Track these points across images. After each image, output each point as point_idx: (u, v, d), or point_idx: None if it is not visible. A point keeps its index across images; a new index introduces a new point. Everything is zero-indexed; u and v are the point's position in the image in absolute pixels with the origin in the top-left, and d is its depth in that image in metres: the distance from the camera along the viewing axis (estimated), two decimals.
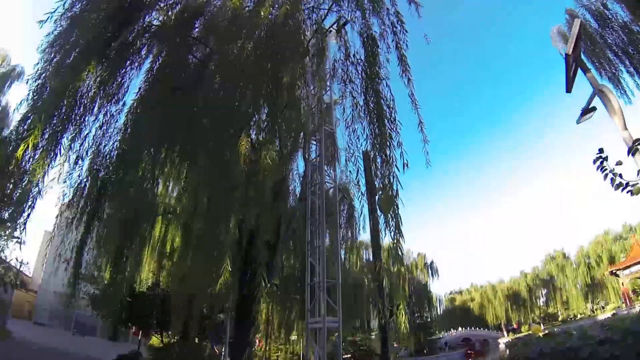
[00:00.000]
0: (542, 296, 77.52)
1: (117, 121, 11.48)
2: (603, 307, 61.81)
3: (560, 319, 69.98)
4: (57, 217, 10.78)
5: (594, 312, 62.11)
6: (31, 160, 8.37)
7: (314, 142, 11.29)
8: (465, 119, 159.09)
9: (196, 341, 22.95)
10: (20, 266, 29.81)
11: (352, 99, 9.42)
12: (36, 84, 9.44)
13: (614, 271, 49.91)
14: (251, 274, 11.30)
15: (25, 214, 9.06)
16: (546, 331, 22.72)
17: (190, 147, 11.39)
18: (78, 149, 10.24)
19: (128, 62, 10.96)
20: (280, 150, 10.31)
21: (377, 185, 8.24)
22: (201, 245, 11.36)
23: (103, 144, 11.83)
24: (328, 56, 10.01)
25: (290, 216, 12.22)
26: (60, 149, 9.05)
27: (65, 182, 10.14)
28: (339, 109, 10.33)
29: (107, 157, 11.92)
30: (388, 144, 8.26)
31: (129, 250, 12.56)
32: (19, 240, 24.33)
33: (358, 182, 9.29)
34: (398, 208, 7.90)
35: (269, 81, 8.54)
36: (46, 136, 8.53)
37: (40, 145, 8.34)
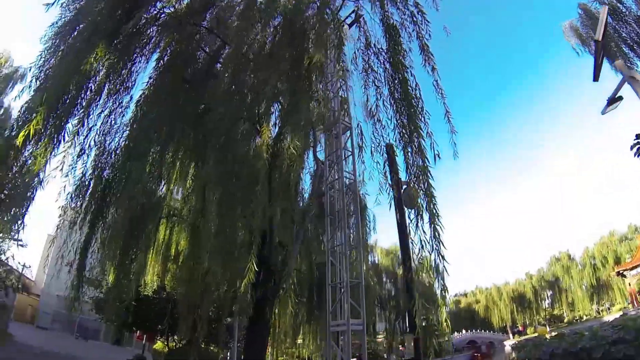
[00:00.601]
0: (548, 298, 76.96)
1: (123, 115, 10.96)
2: (609, 308, 61.32)
3: (565, 320, 69.41)
4: (59, 216, 10.18)
5: (599, 314, 61.61)
6: (33, 149, 7.70)
7: (324, 137, 10.87)
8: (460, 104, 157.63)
9: (202, 345, 22.54)
10: (23, 269, 29.60)
11: (375, 89, 8.96)
12: (39, 71, 8.88)
13: (620, 272, 49.52)
14: (265, 275, 10.81)
15: (24, 207, 8.52)
16: (552, 333, 22.33)
17: (201, 142, 10.97)
18: (82, 141, 9.60)
19: (137, 50, 10.47)
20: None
21: (406, 179, 7.72)
22: (212, 245, 10.92)
23: (108, 141, 11.34)
24: (345, 44, 9.49)
25: (302, 215, 11.74)
26: (64, 135, 8.37)
27: (67, 175, 9.53)
28: (360, 99, 9.79)
29: (113, 154, 11.43)
30: (418, 134, 7.79)
31: (133, 252, 12.11)
32: (20, 243, 24.41)
33: (385, 173, 8.75)
34: (435, 202, 7.39)
35: (287, 71, 8.05)
36: (49, 124, 7.93)
37: (42, 133, 7.76)
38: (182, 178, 14.02)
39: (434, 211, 7.45)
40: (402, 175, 8.96)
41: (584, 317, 63.94)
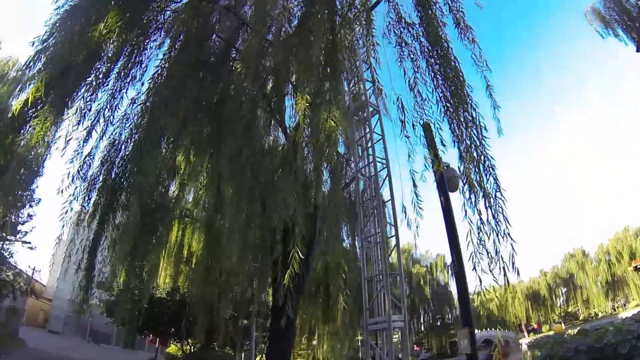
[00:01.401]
0: (562, 295, 75.69)
1: (134, 102, 10.20)
2: (624, 305, 60.23)
3: (580, 318, 68.12)
4: (65, 212, 9.36)
5: (615, 310, 60.50)
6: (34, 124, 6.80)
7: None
8: None
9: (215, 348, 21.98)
10: (33, 273, 29.20)
11: (411, 62, 8.15)
12: (43, 45, 8.04)
13: (637, 267, 48.23)
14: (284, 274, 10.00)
15: (30, 183, 7.76)
16: (568, 330, 21.59)
17: (216, 133, 10.28)
18: (90, 125, 8.79)
19: (152, 25, 9.76)
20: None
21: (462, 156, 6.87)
22: (228, 243, 10.22)
23: (118, 132, 10.64)
24: (375, 18, 8.67)
25: (325, 207, 11.00)
26: (68, 103, 7.47)
27: (73, 161, 8.73)
28: (394, 74, 8.96)
29: (123, 146, 10.73)
30: (465, 106, 6.97)
31: (145, 252, 11.42)
32: (29, 245, 24.05)
33: (430, 151, 7.88)
34: (496, 175, 6.53)
35: (320, 47, 7.28)
36: (52, 93, 7.05)
37: (44, 101, 6.92)
38: (195, 174, 13.31)
39: (496, 185, 6.62)
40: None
41: (600, 314, 62.68)
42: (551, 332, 41.87)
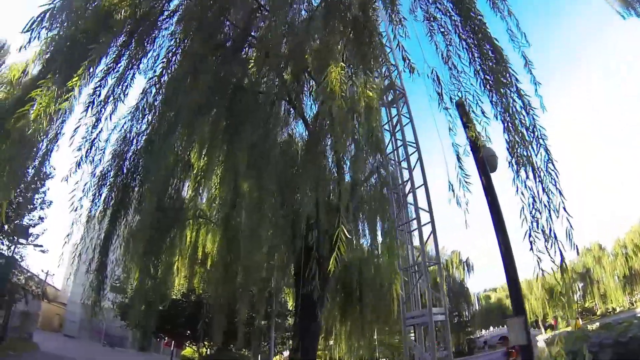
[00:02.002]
0: (579, 290, 74.50)
1: (146, 94, 9.68)
2: None
3: (598, 313, 66.84)
4: (74, 209, 8.82)
5: (632, 305, 59.34)
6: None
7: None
8: None
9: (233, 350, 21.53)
10: (46, 277, 29.04)
11: (442, 36, 7.53)
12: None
13: None
14: (310, 270, 9.41)
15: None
16: (588, 326, 21.11)
17: (232, 124, 9.75)
18: (99, 110, 8.20)
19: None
20: None
21: (507, 136, 6.22)
22: (247, 238, 9.66)
23: (129, 125, 10.15)
24: None
25: (348, 196, 10.41)
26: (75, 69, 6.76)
27: (80, 149, 8.13)
28: (428, 49, 8.36)
29: (134, 141, 10.25)
30: (508, 77, 6.35)
31: (159, 251, 10.93)
32: (41, 248, 23.81)
33: (471, 126, 7.25)
34: (547, 146, 5.91)
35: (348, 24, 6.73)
36: (55, 64, 6.43)
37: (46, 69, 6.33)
38: (210, 169, 12.83)
39: (547, 155, 6.04)
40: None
41: (617, 309, 61.42)
42: (569, 328, 40.88)
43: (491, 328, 68.92)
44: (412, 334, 11.05)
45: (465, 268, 60.72)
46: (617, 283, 63.15)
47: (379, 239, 14.07)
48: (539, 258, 5.84)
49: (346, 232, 5.18)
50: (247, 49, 11.24)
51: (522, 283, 74.63)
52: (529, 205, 5.90)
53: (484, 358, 52.62)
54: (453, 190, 6.88)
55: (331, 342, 32.09)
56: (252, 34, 10.92)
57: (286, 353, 37.29)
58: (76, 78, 5.34)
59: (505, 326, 63.28)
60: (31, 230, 22.20)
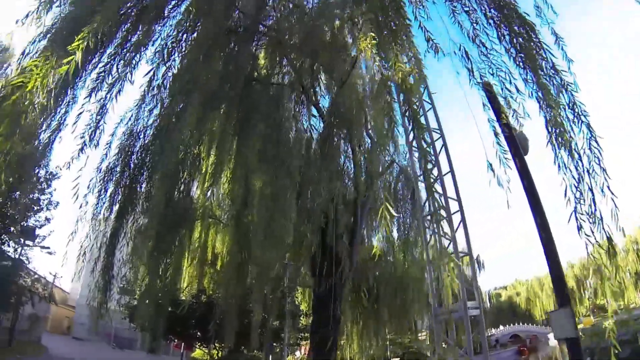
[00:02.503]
0: (590, 287, 73.57)
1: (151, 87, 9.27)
2: None
3: (610, 310, 65.83)
4: (79, 203, 8.41)
5: None
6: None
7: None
8: None
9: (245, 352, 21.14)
10: (54, 280, 28.77)
11: (466, 15, 7.08)
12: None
13: None
14: (328, 267, 9.01)
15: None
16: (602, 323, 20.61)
17: (243, 119, 9.38)
18: (104, 96, 7.78)
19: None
20: None
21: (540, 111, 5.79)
22: (259, 236, 9.23)
23: (135, 119, 9.77)
24: None
25: (365, 190, 10.02)
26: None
27: (83, 137, 7.70)
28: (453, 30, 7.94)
29: (141, 135, 9.87)
30: (543, 53, 5.94)
31: (167, 250, 10.52)
32: (48, 250, 23.50)
33: (502, 109, 6.81)
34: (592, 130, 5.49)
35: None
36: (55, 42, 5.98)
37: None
38: (220, 164, 12.43)
39: (589, 133, 5.68)
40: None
41: (630, 306, 60.47)
42: (580, 326, 40.21)
43: (501, 327, 68.31)
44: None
45: (476, 265, 60.16)
46: (629, 280, 62.38)
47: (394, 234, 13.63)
48: (587, 240, 5.44)
49: (391, 210, 4.69)
50: (257, 40, 10.87)
51: (533, 281, 73.73)
52: (572, 187, 5.47)
53: (496, 356, 52.12)
54: (492, 170, 6.46)
55: (342, 342, 31.60)
56: (263, 23, 10.55)
57: (298, 354, 36.84)
58: (78, 41, 4.85)
59: (515, 324, 62.45)
60: (38, 231, 21.86)
